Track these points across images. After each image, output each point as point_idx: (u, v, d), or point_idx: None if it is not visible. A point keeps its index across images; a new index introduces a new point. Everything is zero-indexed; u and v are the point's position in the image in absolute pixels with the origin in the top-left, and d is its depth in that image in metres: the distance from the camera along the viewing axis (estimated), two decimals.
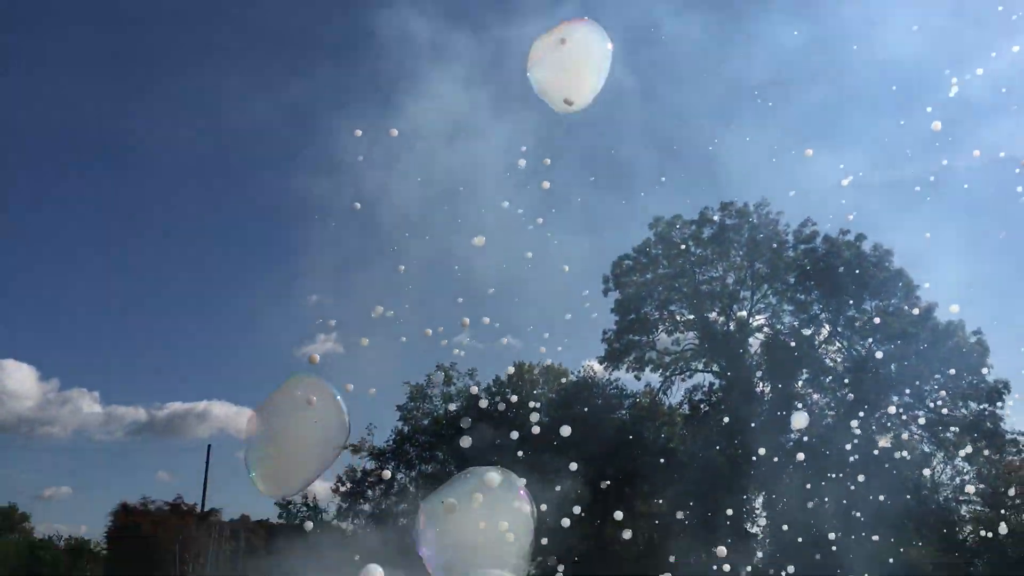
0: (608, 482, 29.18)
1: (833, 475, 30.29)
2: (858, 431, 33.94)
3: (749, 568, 31.48)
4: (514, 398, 32.82)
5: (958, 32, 46.01)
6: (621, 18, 42.48)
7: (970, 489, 36.46)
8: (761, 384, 38.21)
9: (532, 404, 37.25)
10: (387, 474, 38.87)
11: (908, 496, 32.64)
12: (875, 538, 28.48)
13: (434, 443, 39.11)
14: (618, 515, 23.82)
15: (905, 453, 35.30)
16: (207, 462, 52.37)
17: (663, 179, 56.64)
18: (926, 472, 36.59)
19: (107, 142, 73.62)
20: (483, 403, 39.12)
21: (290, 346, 42.35)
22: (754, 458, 31.05)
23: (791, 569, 22.46)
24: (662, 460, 33.16)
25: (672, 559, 27.72)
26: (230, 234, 74.25)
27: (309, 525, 37.16)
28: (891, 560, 30.47)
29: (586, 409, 35.84)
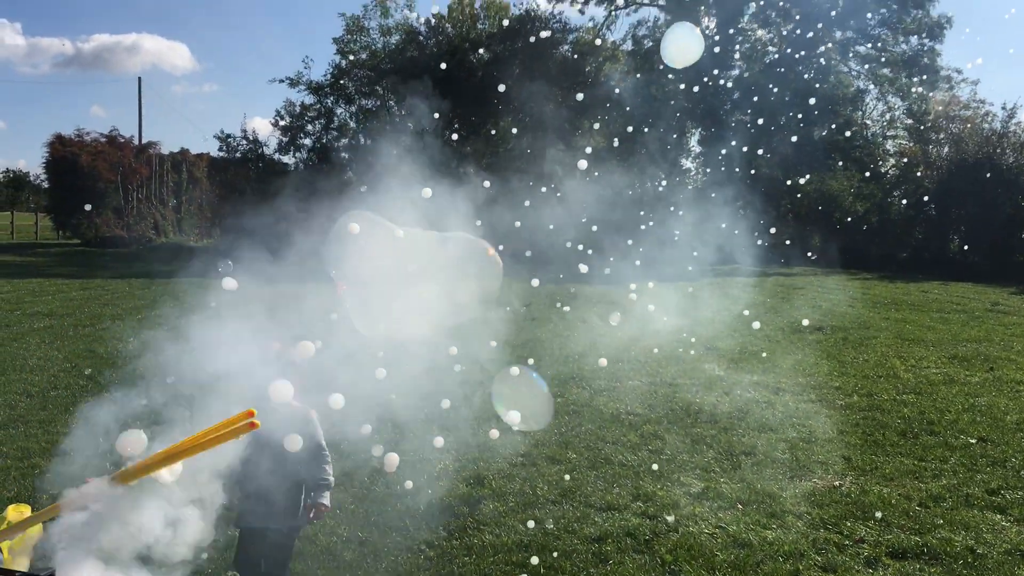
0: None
1: (769, 111, 30.88)
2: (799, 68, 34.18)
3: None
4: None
5: None
6: None
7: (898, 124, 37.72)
8: (707, 19, 37.37)
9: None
10: None
11: (838, 133, 33.63)
12: (797, 178, 29.77)
13: (373, 77, 38.30)
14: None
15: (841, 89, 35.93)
16: (139, 95, 51.30)
17: None
18: (858, 114, 37.51)
19: None
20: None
21: None
22: (696, 88, 31.25)
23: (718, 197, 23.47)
24: (607, 105, 33.17)
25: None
26: None
27: None
28: (811, 191, 32.13)
29: (531, 40, 35.09)
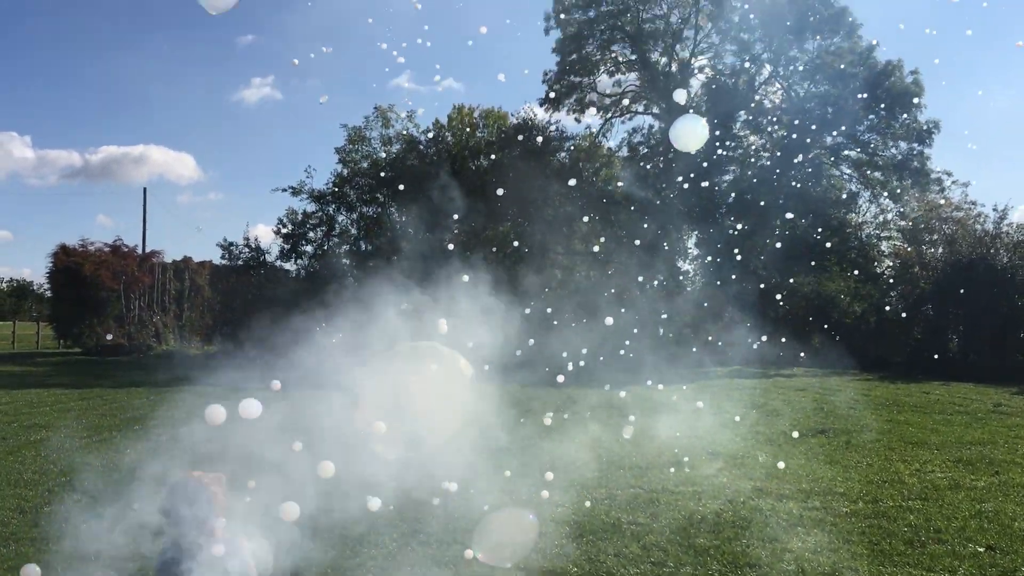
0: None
1: (763, 214, 31.33)
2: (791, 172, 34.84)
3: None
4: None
5: None
6: None
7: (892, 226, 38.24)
8: None
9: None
10: None
11: (833, 235, 34.02)
12: (792, 280, 30.02)
13: (374, 185, 39.08)
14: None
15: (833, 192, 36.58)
16: (144, 205, 52.06)
17: None
18: (852, 216, 38.09)
19: None
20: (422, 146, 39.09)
21: (225, 90, 40.98)
22: (686, 185, 31.77)
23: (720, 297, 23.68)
24: (604, 201, 33.83)
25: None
26: None
27: None
28: (808, 292, 32.31)
29: (521, 138, 36.11)
